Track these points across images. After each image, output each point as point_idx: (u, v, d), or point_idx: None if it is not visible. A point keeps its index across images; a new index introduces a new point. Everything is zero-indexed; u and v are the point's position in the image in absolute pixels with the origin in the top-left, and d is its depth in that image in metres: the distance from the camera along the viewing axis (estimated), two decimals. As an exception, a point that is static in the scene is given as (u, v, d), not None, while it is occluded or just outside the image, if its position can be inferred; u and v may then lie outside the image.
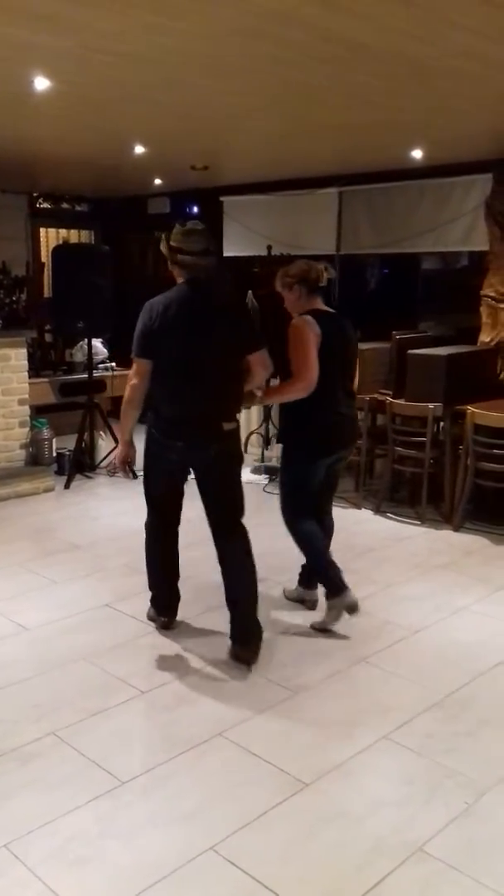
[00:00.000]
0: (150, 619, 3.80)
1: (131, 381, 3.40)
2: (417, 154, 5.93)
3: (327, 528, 3.95)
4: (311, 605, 4.00)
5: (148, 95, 4.39)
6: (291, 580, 4.10)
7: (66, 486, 6.23)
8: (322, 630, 3.72)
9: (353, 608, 3.67)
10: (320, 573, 3.81)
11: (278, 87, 4.14)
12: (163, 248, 3.42)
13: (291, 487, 3.78)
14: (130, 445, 3.55)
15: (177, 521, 3.64)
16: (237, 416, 3.49)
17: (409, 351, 5.55)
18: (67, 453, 6.51)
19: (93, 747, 2.80)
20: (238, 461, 3.48)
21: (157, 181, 7.71)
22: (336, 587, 3.66)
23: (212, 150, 6.21)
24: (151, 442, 3.45)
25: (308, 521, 3.76)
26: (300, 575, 4.07)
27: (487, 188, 6.14)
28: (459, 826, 2.43)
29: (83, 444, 6.61)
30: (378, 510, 5.65)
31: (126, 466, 3.68)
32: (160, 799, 2.54)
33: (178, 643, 3.62)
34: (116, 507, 5.78)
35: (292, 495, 3.78)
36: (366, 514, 5.63)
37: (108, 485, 6.42)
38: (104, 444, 6.83)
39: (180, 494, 3.57)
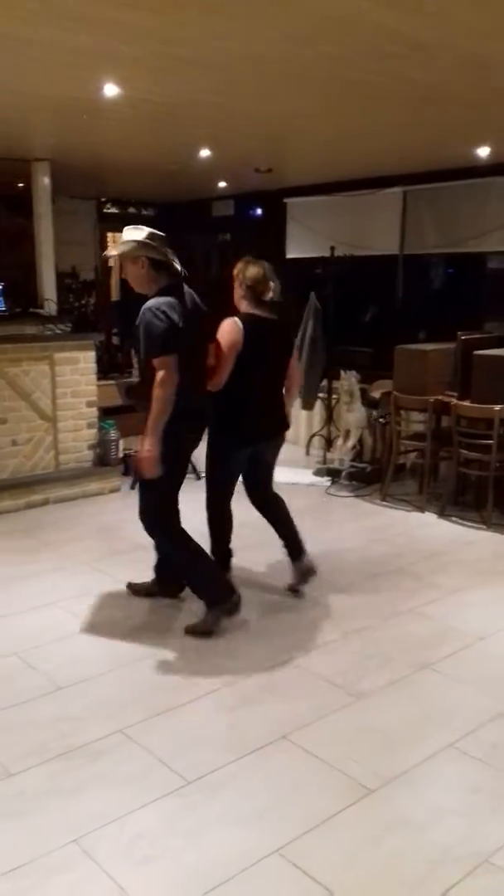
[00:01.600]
0: (221, 612, 3.77)
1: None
2: (484, 152, 5.84)
3: (274, 500, 4.25)
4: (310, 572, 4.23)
5: (213, 100, 4.45)
6: (355, 582, 4.09)
7: (132, 487, 6.32)
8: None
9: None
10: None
11: (342, 89, 4.14)
12: (155, 253, 3.67)
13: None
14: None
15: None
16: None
17: (475, 352, 5.47)
18: (134, 454, 6.59)
19: (159, 746, 2.85)
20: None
21: (222, 184, 7.78)
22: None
23: (276, 153, 6.24)
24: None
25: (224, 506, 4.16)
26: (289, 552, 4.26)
27: None
28: (527, 838, 2.40)
29: (148, 445, 6.69)
30: (442, 514, 5.59)
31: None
32: (225, 800, 2.57)
33: (241, 646, 3.65)
34: (181, 508, 5.83)
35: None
36: (430, 518, 5.57)
37: (172, 485, 6.49)
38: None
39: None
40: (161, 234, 3.69)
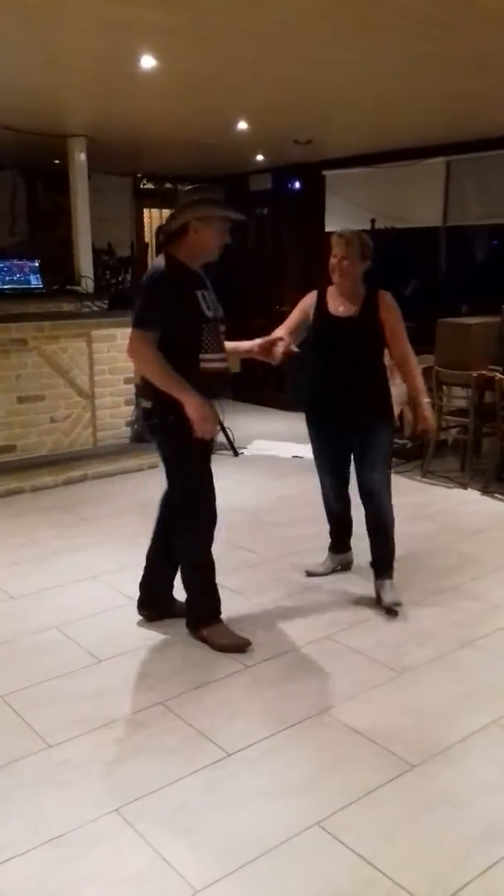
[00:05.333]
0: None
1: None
2: (531, 118, 5.67)
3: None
4: (346, 566, 4.15)
5: (251, 70, 4.37)
6: (396, 559, 4.03)
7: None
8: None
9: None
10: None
11: (386, 57, 4.03)
12: (217, 211, 3.28)
13: None
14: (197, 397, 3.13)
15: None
16: (157, 393, 3.16)
17: (521, 325, 5.34)
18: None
19: (200, 718, 2.85)
20: (166, 447, 3.33)
21: (259, 157, 7.67)
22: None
23: (315, 123, 6.12)
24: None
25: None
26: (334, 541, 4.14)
27: None
28: None
29: (186, 422, 6.68)
30: (485, 491, 5.50)
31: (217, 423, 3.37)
32: (266, 772, 2.56)
33: (278, 621, 3.64)
34: (218, 485, 5.82)
35: None
36: (473, 495, 5.48)
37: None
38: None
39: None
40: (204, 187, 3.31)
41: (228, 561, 4.31)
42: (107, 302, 6.76)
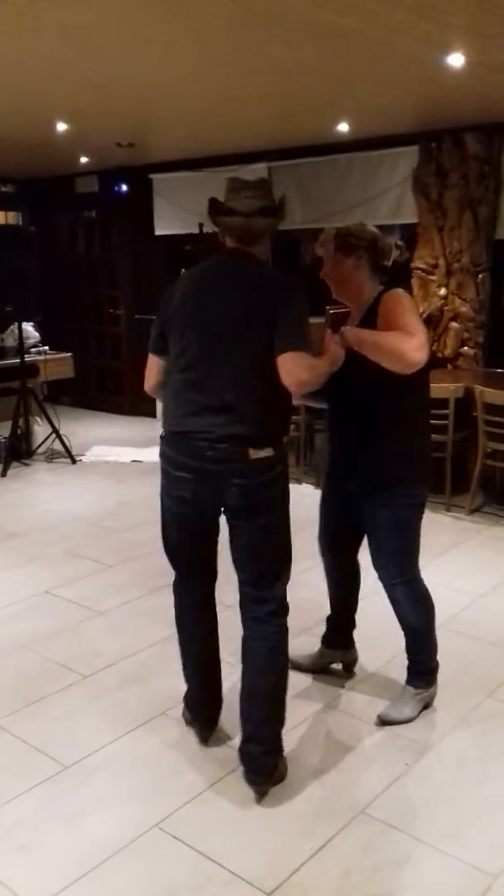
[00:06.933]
0: (186, 721, 2.85)
1: (145, 382, 2.66)
2: (344, 127, 5.93)
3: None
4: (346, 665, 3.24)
5: (64, 70, 4.30)
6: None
7: (2, 474, 6.12)
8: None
9: None
10: None
11: (197, 58, 4.08)
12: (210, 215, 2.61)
13: None
14: None
15: (204, 586, 2.68)
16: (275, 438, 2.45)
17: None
18: (3, 440, 6.39)
19: (35, 734, 2.78)
20: (272, 508, 2.44)
21: (84, 159, 7.56)
22: None
23: (136, 126, 6.11)
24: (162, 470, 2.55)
25: None
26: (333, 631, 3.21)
27: (414, 160, 6.18)
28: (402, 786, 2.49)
29: (18, 431, 6.49)
30: (318, 485, 5.70)
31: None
32: (103, 780, 2.54)
33: (121, 625, 3.61)
34: (55, 493, 5.72)
35: None
36: (307, 489, 5.67)
37: (45, 471, 6.34)
38: (40, 429, 6.73)
39: (202, 548, 2.61)
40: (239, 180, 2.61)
41: (66, 571, 4.24)
42: None
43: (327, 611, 3.17)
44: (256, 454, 2.36)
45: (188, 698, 2.79)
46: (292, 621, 2.52)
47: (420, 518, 2.79)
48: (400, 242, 2.80)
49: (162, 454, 2.53)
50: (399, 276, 2.91)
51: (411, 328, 2.49)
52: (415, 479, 2.75)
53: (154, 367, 2.60)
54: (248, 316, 2.39)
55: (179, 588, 2.69)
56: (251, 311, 2.39)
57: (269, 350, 2.35)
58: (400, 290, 2.70)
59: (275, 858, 2.20)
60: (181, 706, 2.88)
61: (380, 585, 2.84)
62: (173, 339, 2.49)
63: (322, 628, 3.20)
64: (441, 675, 2.98)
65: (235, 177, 2.60)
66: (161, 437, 2.55)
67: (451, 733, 2.77)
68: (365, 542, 2.91)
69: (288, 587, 2.53)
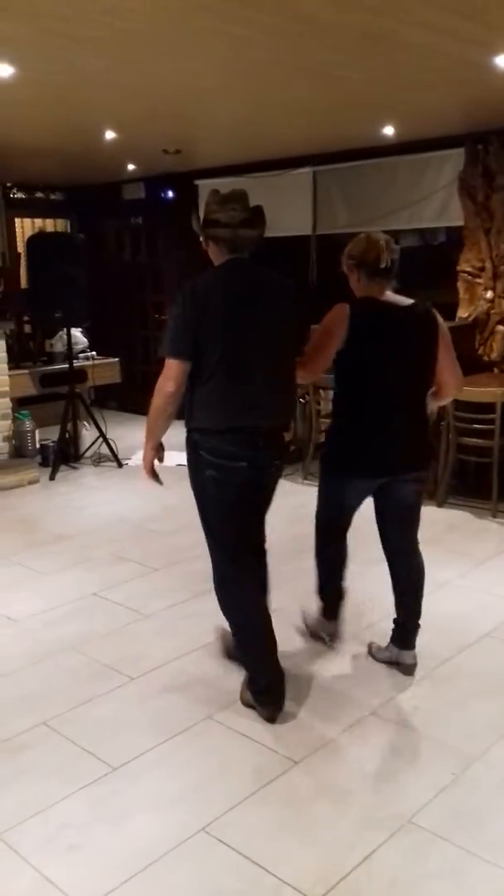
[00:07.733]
0: (247, 704, 2.97)
1: (166, 387, 2.80)
2: (389, 131, 5.90)
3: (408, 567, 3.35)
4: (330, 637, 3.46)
5: (111, 79, 4.35)
6: (279, 561, 4.10)
7: (51, 478, 6.22)
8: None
9: None
10: None
11: (238, 66, 4.10)
12: (195, 225, 2.87)
13: None
14: (160, 448, 2.98)
15: (258, 566, 3.09)
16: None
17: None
18: (51, 444, 6.49)
19: (84, 735, 2.82)
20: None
21: (131, 167, 7.64)
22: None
23: (182, 133, 6.16)
24: (204, 467, 2.83)
25: None
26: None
27: (460, 163, 6.13)
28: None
29: (67, 435, 6.60)
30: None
31: (153, 473, 3.02)
32: (151, 783, 2.57)
33: (167, 628, 3.64)
34: (102, 497, 5.79)
35: None
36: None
37: (93, 475, 6.42)
38: (88, 434, 6.82)
39: (256, 527, 3.05)
40: (231, 192, 2.86)
41: (113, 574, 4.29)
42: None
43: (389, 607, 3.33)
44: (286, 438, 2.94)
45: (255, 680, 2.92)
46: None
47: None
48: (393, 244, 3.08)
49: (212, 450, 2.77)
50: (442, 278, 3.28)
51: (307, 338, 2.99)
52: None
53: (183, 373, 2.76)
54: (280, 318, 2.81)
55: (240, 577, 2.94)
56: (282, 313, 2.83)
57: (293, 348, 2.88)
58: (337, 305, 2.99)
59: (322, 865, 2.20)
60: (227, 710, 2.90)
61: None
62: (213, 345, 2.70)
63: (386, 624, 3.34)
64: (486, 684, 2.98)
65: (216, 189, 2.91)
66: (200, 436, 2.79)
67: (498, 744, 2.74)
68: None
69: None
